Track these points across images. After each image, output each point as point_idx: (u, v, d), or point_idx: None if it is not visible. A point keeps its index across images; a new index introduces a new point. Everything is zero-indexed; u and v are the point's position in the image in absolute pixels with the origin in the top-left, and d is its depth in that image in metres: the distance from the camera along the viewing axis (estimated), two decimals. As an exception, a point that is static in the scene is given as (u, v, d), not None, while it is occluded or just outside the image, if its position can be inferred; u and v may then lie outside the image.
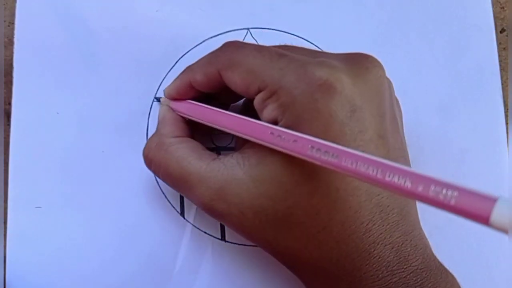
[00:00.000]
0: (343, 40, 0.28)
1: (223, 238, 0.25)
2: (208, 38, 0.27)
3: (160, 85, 0.26)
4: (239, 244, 0.25)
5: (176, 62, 0.27)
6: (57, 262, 0.25)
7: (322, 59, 0.19)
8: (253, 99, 0.20)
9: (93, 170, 0.25)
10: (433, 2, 0.28)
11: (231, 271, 0.25)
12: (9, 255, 0.24)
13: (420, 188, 0.14)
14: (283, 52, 0.20)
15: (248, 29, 0.27)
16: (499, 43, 0.28)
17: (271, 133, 0.18)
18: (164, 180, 0.22)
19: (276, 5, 0.28)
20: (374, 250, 0.19)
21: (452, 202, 0.13)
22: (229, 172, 0.20)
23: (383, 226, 0.19)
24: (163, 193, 0.26)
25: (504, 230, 0.12)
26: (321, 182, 0.19)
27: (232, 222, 0.20)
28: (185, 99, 0.23)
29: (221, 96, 0.23)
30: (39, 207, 0.25)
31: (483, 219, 0.13)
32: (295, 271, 0.21)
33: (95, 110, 0.26)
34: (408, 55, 0.28)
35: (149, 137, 0.26)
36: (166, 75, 0.27)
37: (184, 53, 0.27)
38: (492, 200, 0.13)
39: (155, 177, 0.26)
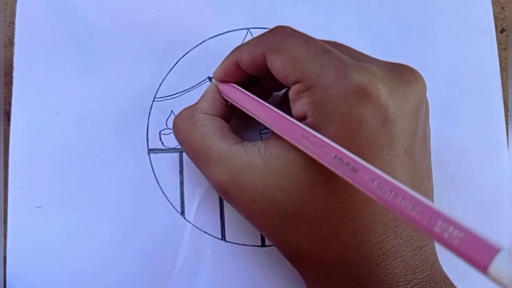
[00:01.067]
0: (344, 40, 0.28)
1: (223, 238, 0.25)
2: (208, 38, 0.27)
3: (160, 85, 0.26)
4: (239, 244, 0.25)
5: (176, 62, 0.27)
6: (57, 262, 0.25)
7: (365, 64, 0.19)
8: (289, 87, 0.20)
9: (93, 170, 0.25)
10: (433, 2, 0.28)
11: (231, 271, 0.25)
12: (9, 255, 0.24)
13: (427, 220, 0.14)
14: (329, 49, 0.20)
15: (248, 29, 0.27)
16: (499, 43, 0.28)
17: (301, 133, 0.18)
18: (185, 151, 0.22)
19: (276, 5, 0.28)
20: (382, 262, 0.18)
21: (455, 243, 0.13)
22: (248, 158, 0.20)
23: (396, 240, 0.19)
24: (163, 193, 0.26)
25: (501, 284, 0.12)
26: (339, 186, 0.18)
27: (242, 207, 0.20)
28: (231, 82, 0.23)
29: (265, 82, 0.23)
30: (39, 207, 0.25)
31: (482, 268, 0.13)
32: (298, 267, 0.21)
33: (95, 110, 0.26)
34: (408, 55, 0.28)
35: (149, 137, 0.26)
36: (166, 75, 0.27)
37: (184, 53, 0.27)
38: (494, 250, 0.12)
39: (155, 177, 0.26)
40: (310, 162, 0.18)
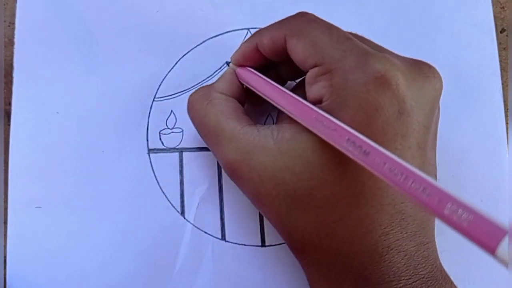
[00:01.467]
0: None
1: (223, 238, 0.25)
2: (208, 38, 0.27)
3: (160, 85, 0.26)
4: (239, 244, 0.25)
5: (176, 62, 0.27)
6: (57, 262, 0.25)
7: (385, 54, 0.19)
8: (306, 72, 0.20)
9: (93, 170, 0.25)
10: (433, 2, 0.28)
11: (231, 271, 0.25)
12: (9, 255, 0.24)
13: (436, 203, 0.14)
14: (351, 37, 0.20)
15: (248, 29, 0.27)
16: (499, 43, 0.28)
17: (315, 117, 0.18)
18: (197, 128, 0.22)
19: (276, 5, 0.28)
20: (386, 254, 0.18)
21: (464, 225, 0.13)
22: (260, 139, 0.20)
23: (400, 233, 0.19)
24: (163, 193, 0.26)
25: (508, 265, 0.12)
26: (349, 173, 0.18)
27: (250, 187, 0.20)
28: (249, 66, 0.23)
29: (282, 69, 0.24)
30: (39, 207, 0.25)
31: (490, 250, 0.13)
32: (299, 256, 0.21)
33: (95, 110, 0.26)
34: (408, 55, 0.28)
35: (149, 137, 0.26)
36: (166, 75, 0.27)
37: (184, 53, 0.27)
38: (502, 232, 0.13)
39: (155, 177, 0.26)
40: (322, 146, 0.18)
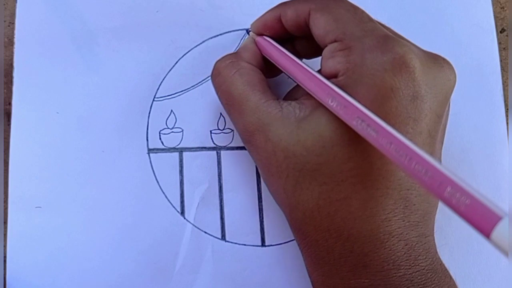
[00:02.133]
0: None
1: (223, 238, 0.25)
2: (208, 39, 0.27)
3: (160, 85, 0.26)
4: (239, 244, 0.25)
5: (176, 62, 0.27)
6: (57, 262, 0.25)
7: (405, 41, 0.20)
8: (324, 47, 0.21)
9: (93, 170, 0.25)
10: (433, 2, 0.28)
11: (231, 271, 0.25)
12: (9, 255, 0.25)
13: (437, 185, 0.15)
14: (374, 20, 0.20)
15: (247, 29, 0.27)
16: (499, 43, 0.28)
17: (328, 92, 0.19)
18: (220, 96, 0.22)
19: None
20: (387, 241, 0.18)
21: (462, 209, 0.14)
22: (283, 114, 0.20)
23: (403, 221, 0.19)
24: (163, 193, 0.26)
25: (501, 249, 0.13)
26: (359, 152, 0.19)
27: (263, 157, 0.20)
28: (267, 35, 0.23)
29: (299, 44, 0.24)
30: (39, 207, 0.25)
31: (485, 233, 0.13)
32: (299, 237, 0.21)
33: (95, 110, 0.26)
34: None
35: (149, 137, 0.26)
36: (166, 75, 0.27)
37: (184, 53, 0.27)
38: (497, 218, 0.13)
39: (155, 177, 0.26)
40: (336, 123, 0.19)
